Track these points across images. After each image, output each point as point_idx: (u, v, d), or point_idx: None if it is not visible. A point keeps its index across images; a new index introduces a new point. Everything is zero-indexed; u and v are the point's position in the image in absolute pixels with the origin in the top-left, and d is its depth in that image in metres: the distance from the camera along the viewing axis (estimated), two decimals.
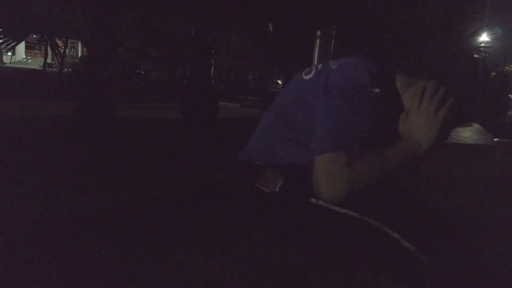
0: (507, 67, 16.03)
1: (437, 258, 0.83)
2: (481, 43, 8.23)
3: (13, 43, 4.95)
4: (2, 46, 4.90)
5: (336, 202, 0.84)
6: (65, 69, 15.50)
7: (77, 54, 28.35)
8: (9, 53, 24.59)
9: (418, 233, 0.86)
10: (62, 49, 5.38)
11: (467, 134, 10.17)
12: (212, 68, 7.66)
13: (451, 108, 0.85)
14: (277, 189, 0.95)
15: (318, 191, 0.84)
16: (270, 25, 7.37)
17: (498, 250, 2.01)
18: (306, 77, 1.00)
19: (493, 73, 15.98)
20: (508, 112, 16.88)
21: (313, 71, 0.99)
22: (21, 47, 27.77)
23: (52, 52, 5.19)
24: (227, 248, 1.88)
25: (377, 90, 0.87)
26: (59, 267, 1.63)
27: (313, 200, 0.90)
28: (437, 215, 0.93)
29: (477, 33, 8.07)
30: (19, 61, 28.41)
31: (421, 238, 0.85)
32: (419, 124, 0.87)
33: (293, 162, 0.97)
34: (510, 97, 17.07)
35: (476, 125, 12.90)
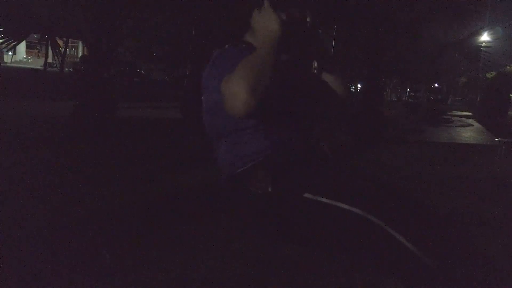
0: (507, 67, 16.00)
1: (437, 257, 0.83)
2: (482, 43, 8.23)
3: (14, 43, 4.96)
4: (3, 45, 4.91)
5: (246, 106, 0.88)
6: (66, 69, 15.52)
7: (78, 54, 28.37)
8: (10, 53, 24.60)
9: (419, 233, 0.86)
10: (63, 49, 5.38)
11: (468, 134, 10.16)
12: None
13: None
14: (270, 189, 0.96)
15: (230, 111, 0.90)
16: None
17: (499, 249, 2.01)
18: (203, 97, 1.16)
19: (494, 73, 15.97)
20: (509, 112, 16.86)
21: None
22: (21, 47, 27.77)
23: (52, 52, 5.20)
24: (227, 248, 1.88)
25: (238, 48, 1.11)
26: (58, 266, 1.63)
27: (308, 195, 0.91)
28: (436, 214, 0.93)
29: (478, 32, 8.07)
30: (20, 61, 28.42)
31: (421, 237, 0.86)
32: (257, 19, 1.02)
33: (265, 153, 1.02)
34: (510, 96, 17.05)
35: (477, 125, 12.89)
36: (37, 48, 27.60)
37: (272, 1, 0.99)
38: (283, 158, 1.01)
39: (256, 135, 1.04)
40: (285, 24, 0.99)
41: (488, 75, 16.72)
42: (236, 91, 0.88)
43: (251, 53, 0.96)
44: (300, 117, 1.10)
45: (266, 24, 0.98)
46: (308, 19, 1.15)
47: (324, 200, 0.91)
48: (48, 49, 5.13)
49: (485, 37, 9.03)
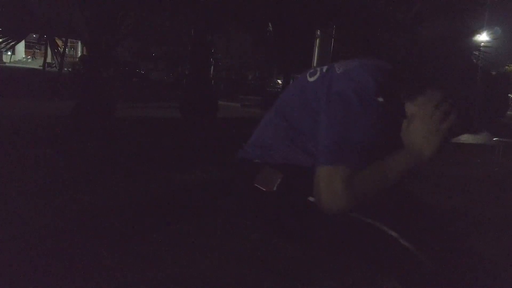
0: (507, 67, 16.02)
1: (435, 257, 0.84)
2: (481, 43, 8.23)
3: (13, 43, 4.95)
4: (2, 45, 4.90)
5: (335, 213, 0.85)
6: (65, 69, 15.49)
7: (77, 54, 28.33)
8: (9, 53, 24.55)
9: (416, 232, 0.87)
10: (62, 49, 5.37)
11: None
12: (212, 67, 7.67)
13: (455, 118, 0.83)
14: (275, 188, 0.96)
15: (319, 203, 0.85)
16: (270, 24, 7.37)
17: (497, 249, 2.02)
18: (311, 79, 0.99)
19: (493, 73, 15.95)
20: (508, 112, 16.88)
21: (318, 73, 0.98)
22: (21, 47, 27.72)
23: (51, 52, 5.19)
24: (226, 247, 1.89)
25: (380, 99, 0.86)
26: (57, 266, 1.63)
27: (311, 198, 0.91)
28: (434, 214, 0.94)
29: (477, 32, 8.07)
30: (19, 61, 28.36)
31: (419, 237, 0.86)
32: (422, 133, 0.83)
33: (291, 162, 0.97)
34: (509, 96, 17.05)
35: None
36: (36, 49, 27.55)
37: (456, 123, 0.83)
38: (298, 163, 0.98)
39: (303, 152, 0.97)
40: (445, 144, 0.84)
41: None
42: (332, 199, 0.81)
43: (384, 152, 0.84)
44: None
45: (430, 144, 0.82)
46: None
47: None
48: (47, 49, 5.12)
49: (484, 36, 9.03)
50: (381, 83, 0.87)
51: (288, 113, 1.00)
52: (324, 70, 0.98)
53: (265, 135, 1.05)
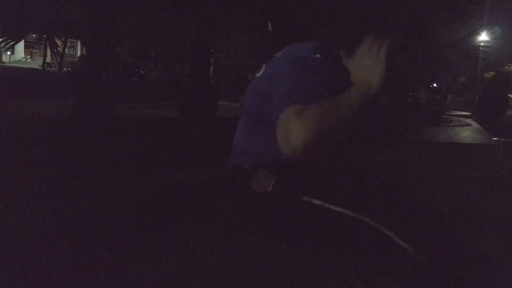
0: (506, 67, 16.04)
1: (433, 256, 0.84)
2: (480, 43, 8.25)
3: (12, 42, 4.95)
4: (1, 45, 4.90)
5: (296, 153, 0.82)
6: (65, 69, 15.49)
7: (77, 54, 28.33)
8: (8, 52, 24.54)
9: (413, 232, 0.87)
10: (62, 49, 5.37)
11: (466, 133, 10.18)
12: (212, 67, 7.66)
13: (388, 47, 0.94)
14: (270, 189, 0.96)
15: (283, 148, 0.84)
16: (269, 24, 7.37)
17: (496, 249, 2.02)
18: (258, 74, 1.09)
19: (492, 73, 16.00)
20: (507, 112, 16.89)
21: (263, 67, 1.09)
22: (20, 46, 27.70)
23: (51, 52, 5.19)
24: (225, 247, 1.89)
25: (318, 55, 0.98)
26: (57, 266, 1.63)
27: (306, 198, 0.92)
28: (434, 214, 0.94)
29: (477, 32, 8.09)
30: (18, 60, 28.34)
31: (418, 237, 0.86)
32: (367, 65, 0.92)
33: (277, 157, 0.97)
34: (509, 96, 17.08)
35: (475, 125, 12.91)
36: (36, 48, 27.54)
37: (389, 52, 0.92)
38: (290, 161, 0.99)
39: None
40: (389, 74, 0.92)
41: (487, 75, 16.76)
42: (295, 135, 0.80)
43: (341, 92, 0.88)
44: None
45: (374, 73, 0.89)
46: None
47: (319, 203, 0.91)
48: (46, 49, 5.12)
49: (483, 37, 9.05)
50: (315, 46, 1.01)
51: (252, 112, 1.08)
52: (267, 62, 1.09)
53: (245, 142, 1.09)
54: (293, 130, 0.81)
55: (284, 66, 0.99)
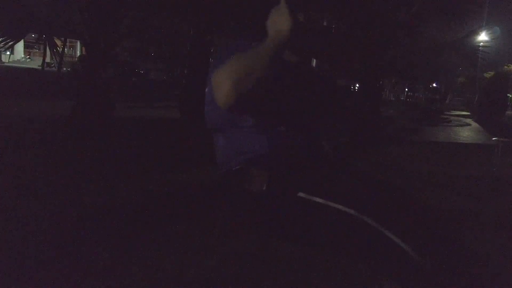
0: (505, 67, 16.05)
1: (433, 257, 0.84)
2: (480, 43, 8.25)
3: (12, 42, 4.94)
4: (1, 45, 4.89)
5: (227, 100, 0.89)
6: (64, 69, 15.47)
7: (76, 54, 28.31)
8: (8, 52, 24.50)
9: (413, 233, 0.87)
10: (61, 49, 5.36)
11: (466, 133, 10.19)
12: None
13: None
14: (264, 188, 0.97)
15: (216, 101, 0.91)
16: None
17: (495, 249, 2.02)
18: (206, 89, 1.18)
19: (491, 73, 16.00)
20: (506, 112, 16.90)
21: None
22: (19, 46, 27.68)
23: (50, 52, 5.18)
24: (225, 247, 1.89)
25: (240, 41, 1.10)
26: (56, 265, 1.63)
27: (301, 194, 0.92)
28: (432, 214, 0.94)
29: (476, 32, 8.09)
30: (18, 60, 28.31)
31: (416, 236, 0.86)
32: (272, 17, 0.99)
33: (263, 151, 1.02)
34: (508, 96, 17.09)
35: (474, 125, 12.93)
36: (35, 48, 27.52)
37: (290, 2, 0.98)
38: (281, 157, 1.01)
39: (254, 133, 1.04)
40: (299, 25, 0.98)
41: (486, 75, 16.77)
42: (219, 82, 0.89)
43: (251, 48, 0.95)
44: (302, 117, 1.11)
45: (278, 23, 0.96)
46: (325, 23, 1.16)
47: (318, 200, 0.92)
48: (46, 49, 5.12)
49: (483, 36, 9.05)
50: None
51: (210, 126, 1.17)
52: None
53: (225, 147, 1.13)
54: (218, 80, 0.89)
55: (216, 58, 1.09)
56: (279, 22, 0.96)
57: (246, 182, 1.00)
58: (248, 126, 1.05)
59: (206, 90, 1.15)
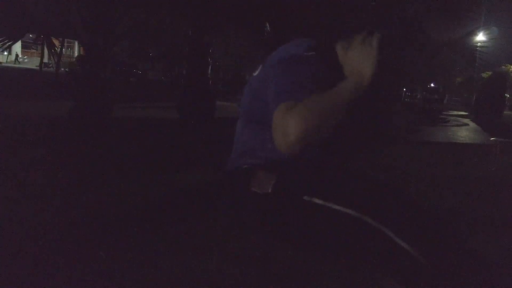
0: (503, 67, 16.11)
1: (432, 256, 0.84)
2: (477, 43, 8.28)
3: (10, 43, 4.93)
4: None
5: (291, 148, 0.82)
6: (62, 69, 15.44)
7: (74, 54, 28.25)
8: (5, 53, 24.45)
9: (413, 232, 0.87)
10: (59, 49, 5.35)
11: (464, 133, 10.22)
12: (210, 67, 7.65)
13: (379, 39, 0.95)
14: (270, 190, 0.96)
15: (278, 144, 0.84)
16: (267, 24, 7.37)
17: (495, 249, 2.02)
18: (255, 74, 1.10)
19: (489, 73, 16.06)
20: (504, 111, 16.96)
21: (260, 67, 1.09)
22: (17, 47, 27.62)
23: (48, 52, 5.17)
24: (225, 248, 1.88)
25: (311, 53, 0.98)
26: (56, 266, 1.63)
27: (306, 197, 0.91)
28: (432, 214, 0.94)
29: (474, 32, 8.11)
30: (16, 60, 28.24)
31: (417, 237, 0.86)
32: (358, 55, 0.94)
33: (278, 157, 0.97)
34: (506, 96, 17.14)
35: (472, 125, 12.96)
36: (33, 48, 27.45)
37: (383, 42, 0.93)
38: (294, 163, 0.99)
39: None
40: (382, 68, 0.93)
41: (484, 75, 16.84)
42: (288, 131, 0.80)
43: (331, 87, 0.88)
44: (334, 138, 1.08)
45: (365, 66, 0.90)
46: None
47: (320, 202, 0.92)
48: (43, 49, 5.10)
49: (480, 37, 9.07)
50: (309, 44, 1.01)
51: (249, 113, 1.08)
52: (264, 62, 1.09)
53: (243, 143, 1.09)
54: (287, 126, 0.81)
55: (275, 64, 1.00)
56: (366, 65, 0.90)
57: (253, 183, 0.99)
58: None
59: (253, 76, 1.11)
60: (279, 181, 0.96)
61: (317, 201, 0.92)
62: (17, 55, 26.95)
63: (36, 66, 19.25)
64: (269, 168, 0.99)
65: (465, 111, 19.82)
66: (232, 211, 1.11)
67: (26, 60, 28.84)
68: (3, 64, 24.39)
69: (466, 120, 14.83)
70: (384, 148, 5.77)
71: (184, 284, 1.59)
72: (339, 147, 1.12)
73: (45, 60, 16.07)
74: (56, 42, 5.45)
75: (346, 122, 1.06)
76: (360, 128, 1.21)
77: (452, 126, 12.23)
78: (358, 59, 0.94)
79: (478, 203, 3.09)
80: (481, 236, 2.23)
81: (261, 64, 1.10)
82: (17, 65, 24.77)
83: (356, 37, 0.98)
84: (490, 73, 16.02)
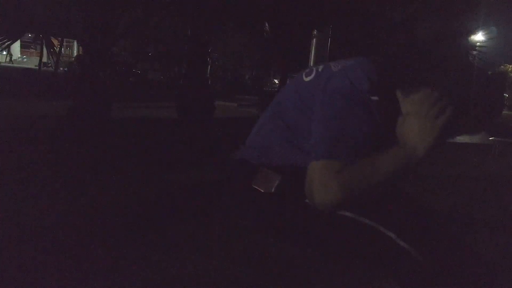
0: (502, 67, 16.14)
1: (431, 256, 0.84)
2: (476, 43, 8.29)
3: (8, 42, 4.92)
4: None
5: (328, 209, 0.83)
6: (61, 68, 15.42)
7: (73, 53, 28.20)
8: (4, 52, 24.39)
9: (413, 232, 0.87)
10: (58, 48, 5.34)
11: None
12: (209, 67, 7.64)
13: (450, 116, 0.82)
14: (273, 190, 0.95)
15: (310, 197, 0.83)
16: (266, 24, 7.37)
17: (493, 248, 2.02)
18: (306, 79, 0.99)
19: (489, 73, 16.08)
20: (503, 112, 16.98)
21: (314, 73, 0.99)
22: (16, 46, 27.55)
23: (47, 51, 5.16)
24: (224, 248, 1.88)
25: (375, 98, 0.86)
26: (54, 266, 1.62)
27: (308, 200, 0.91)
28: (431, 214, 0.94)
29: (473, 32, 8.12)
30: (14, 60, 28.17)
31: (417, 237, 0.86)
32: (417, 129, 0.83)
33: (288, 163, 0.97)
34: (505, 96, 17.16)
35: None
36: (32, 48, 27.38)
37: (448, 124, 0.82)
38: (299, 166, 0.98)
39: (302, 150, 0.94)
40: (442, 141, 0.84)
41: None
42: (325, 193, 0.80)
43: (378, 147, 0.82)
44: None
45: (422, 140, 0.81)
46: None
47: None
48: (42, 48, 5.10)
49: (479, 37, 9.08)
50: (376, 82, 0.87)
51: (284, 113, 1.00)
52: (319, 69, 0.99)
53: (261, 136, 1.04)
54: (327, 187, 0.79)
55: (332, 93, 0.89)
56: (424, 142, 0.81)
57: (256, 180, 0.98)
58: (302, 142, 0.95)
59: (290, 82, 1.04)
60: (283, 182, 0.96)
61: None
62: (11, 55, 26.77)
63: (35, 66, 19.22)
64: (274, 168, 0.98)
65: None
66: (233, 210, 1.10)
67: (25, 60, 28.78)
68: (2, 64, 24.35)
69: None
70: None
71: (184, 284, 1.59)
72: None
73: (44, 59, 16.05)
74: (55, 42, 5.44)
75: None
76: None
77: None
78: (416, 131, 0.83)
79: (477, 203, 3.10)
80: (480, 236, 2.23)
81: (314, 68, 1.01)
82: (11, 65, 24.63)
83: (422, 94, 0.84)
84: (489, 73, 16.04)
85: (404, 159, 0.83)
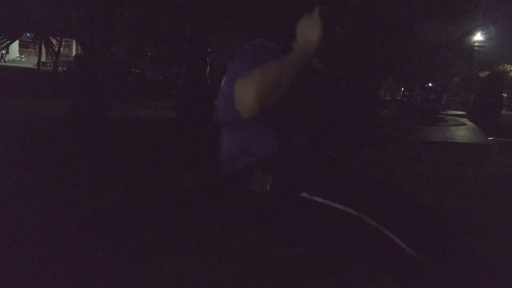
0: (500, 67, 16.17)
1: (431, 256, 0.84)
2: (475, 43, 8.31)
3: (7, 42, 4.91)
4: None
5: (249, 111, 0.90)
6: (60, 68, 15.39)
7: (72, 53, 28.16)
8: (3, 51, 24.33)
9: (412, 231, 0.87)
10: (57, 48, 5.34)
11: (462, 133, 10.24)
12: (208, 67, 7.64)
13: (327, 9, 0.98)
14: (268, 188, 0.97)
15: (240, 115, 0.91)
16: (265, 24, 7.38)
17: (493, 248, 2.03)
18: (223, 80, 1.15)
19: (487, 73, 16.12)
20: (502, 111, 17.01)
21: (224, 78, 1.15)
22: (15, 46, 27.50)
23: (46, 51, 5.16)
24: (224, 248, 1.89)
25: (261, 39, 1.13)
26: (53, 266, 1.62)
27: (305, 195, 0.92)
28: (431, 214, 0.94)
29: (472, 32, 8.14)
30: (13, 60, 28.12)
31: (417, 237, 0.86)
32: (304, 26, 0.97)
33: (269, 152, 1.02)
34: (503, 96, 17.19)
35: (470, 124, 13.00)
36: (30, 48, 27.30)
37: (323, 14, 0.97)
38: (288, 159, 1.01)
39: (265, 133, 1.04)
40: (326, 36, 0.96)
41: (482, 75, 16.89)
42: (244, 94, 0.89)
43: (281, 56, 0.94)
44: (318, 125, 1.10)
45: (310, 33, 0.94)
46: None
47: (319, 199, 0.92)
48: (41, 48, 5.10)
49: (478, 36, 9.10)
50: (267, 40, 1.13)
51: (222, 118, 1.13)
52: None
53: (227, 147, 1.12)
54: (242, 91, 0.90)
55: (240, 57, 1.10)
56: (311, 32, 0.94)
57: (251, 182, 1.00)
58: (257, 125, 1.04)
59: (223, 80, 1.13)
60: (277, 179, 0.97)
61: (317, 199, 0.92)
62: (3, 54, 26.53)
63: (34, 65, 19.19)
64: (265, 167, 0.99)
65: (463, 111, 19.86)
66: (232, 211, 1.11)
67: (24, 59, 28.73)
68: (1, 64, 24.31)
69: (464, 120, 14.86)
70: (381, 147, 5.78)
71: (184, 284, 1.59)
72: (326, 136, 1.14)
73: (43, 59, 16.03)
74: (54, 41, 5.44)
75: (328, 112, 1.13)
76: (344, 119, 1.23)
77: (450, 125, 12.27)
78: (305, 29, 0.97)
79: (476, 203, 3.10)
80: (480, 236, 2.24)
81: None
82: (2, 63, 24.37)
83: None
84: (487, 72, 16.07)
85: (301, 49, 0.95)
